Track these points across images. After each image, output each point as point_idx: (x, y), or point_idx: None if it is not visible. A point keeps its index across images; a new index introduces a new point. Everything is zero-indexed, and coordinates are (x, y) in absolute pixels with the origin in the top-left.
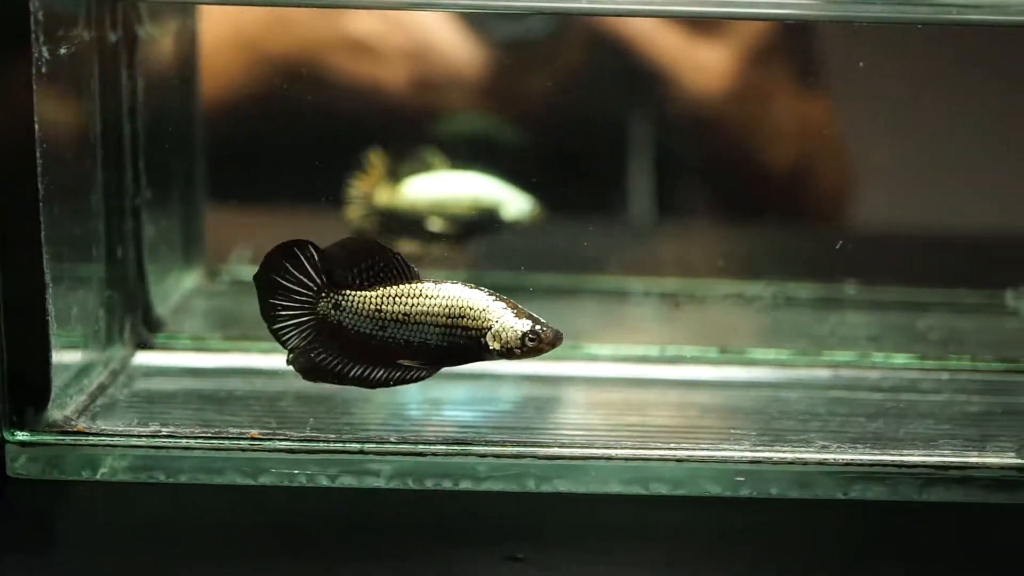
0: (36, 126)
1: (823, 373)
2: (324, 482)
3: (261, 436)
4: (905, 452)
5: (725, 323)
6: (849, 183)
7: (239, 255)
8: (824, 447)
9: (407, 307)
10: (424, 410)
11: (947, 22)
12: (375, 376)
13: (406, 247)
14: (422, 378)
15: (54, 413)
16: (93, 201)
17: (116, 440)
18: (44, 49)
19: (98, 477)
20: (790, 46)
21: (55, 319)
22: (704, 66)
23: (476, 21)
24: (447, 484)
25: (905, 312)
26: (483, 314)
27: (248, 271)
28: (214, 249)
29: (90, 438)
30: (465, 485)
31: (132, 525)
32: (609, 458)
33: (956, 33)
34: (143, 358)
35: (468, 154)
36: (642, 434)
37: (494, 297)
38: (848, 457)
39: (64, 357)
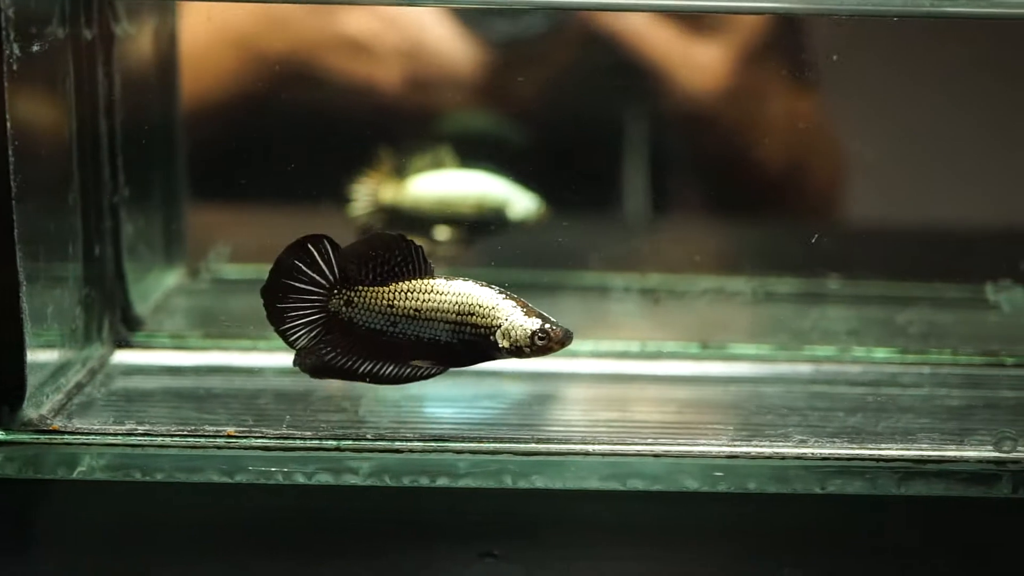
0: (7, 124)
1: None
2: (301, 480)
3: (237, 434)
4: (883, 446)
5: (707, 318)
6: (839, 179)
7: (217, 253)
8: (802, 441)
9: (419, 303)
10: (403, 407)
11: (920, 14)
12: (385, 372)
13: None
14: (432, 375)
15: (29, 412)
16: (69, 199)
17: (92, 439)
18: (15, 47)
19: (75, 476)
20: (774, 42)
21: (30, 317)
22: (698, 63)
23: (470, 19)
24: (424, 481)
25: (886, 306)
26: (493, 312)
27: (228, 270)
28: (197, 248)
29: (65, 437)
30: (442, 482)
31: (110, 524)
32: (587, 454)
33: (934, 26)
34: (122, 356)
35: (471, 152)
36: (621, 430)
37: (504, 295)
38: (826, 451)
39: (40, 356)
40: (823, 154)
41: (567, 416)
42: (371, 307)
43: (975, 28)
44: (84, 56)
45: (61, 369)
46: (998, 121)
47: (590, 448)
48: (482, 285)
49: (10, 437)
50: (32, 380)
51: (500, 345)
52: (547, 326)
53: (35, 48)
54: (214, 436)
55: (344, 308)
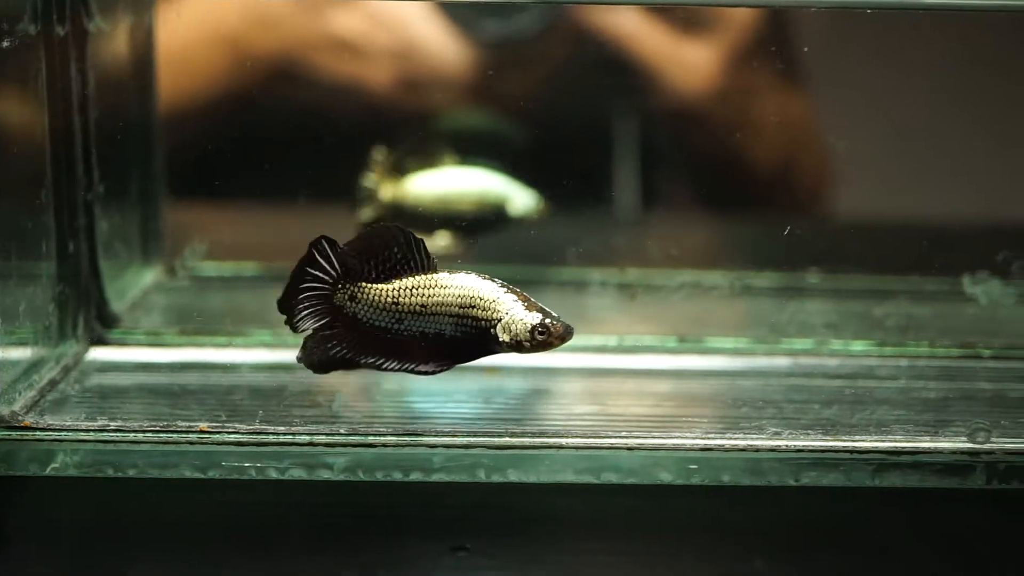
0: None
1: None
2: (274, 475)
3: (210, 429)
4: (857, 438)
5: (684, 313)
6: (824, 175)
7: (192, 250)
8: (776, 434)
9: (423, 298)
10: (379, 401)
11: (897, 6)
12: (387, 367)
13: None
14: (436, 372)
15: (1, 409)
16: (42, 196)
17: (64, 435)
18: None
19: (48, 472)
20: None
21: (2, 315)
22: (689, 62)
23: (462, 19)
24: (397, 475)
25: (864, 300)
26: (493, 305)
27: (207, 267)
28: (176, 245)
29: (37, 433)
30: (416, 476)
31: (84, 521)
32: (560, 447)
33: (911, 18)
34: (97, 354)
35: (467, 149)
36: (597, 424)
37: (506, 289)
38: (800, 444)
39: (12, 353)
40: (807, 150)
41: (543, 410)
42: (375, 303)
43: (948, 21)
44: (57, 53)
45: (34, 366)
46: (974, 114)
47: (563, 441)
48: (484, 278)
49: None
50: (4, 377)
51: (500, 339)
52: (548, 321)
53: (5, 44)
54: (187, 432)
55: (349, 303)
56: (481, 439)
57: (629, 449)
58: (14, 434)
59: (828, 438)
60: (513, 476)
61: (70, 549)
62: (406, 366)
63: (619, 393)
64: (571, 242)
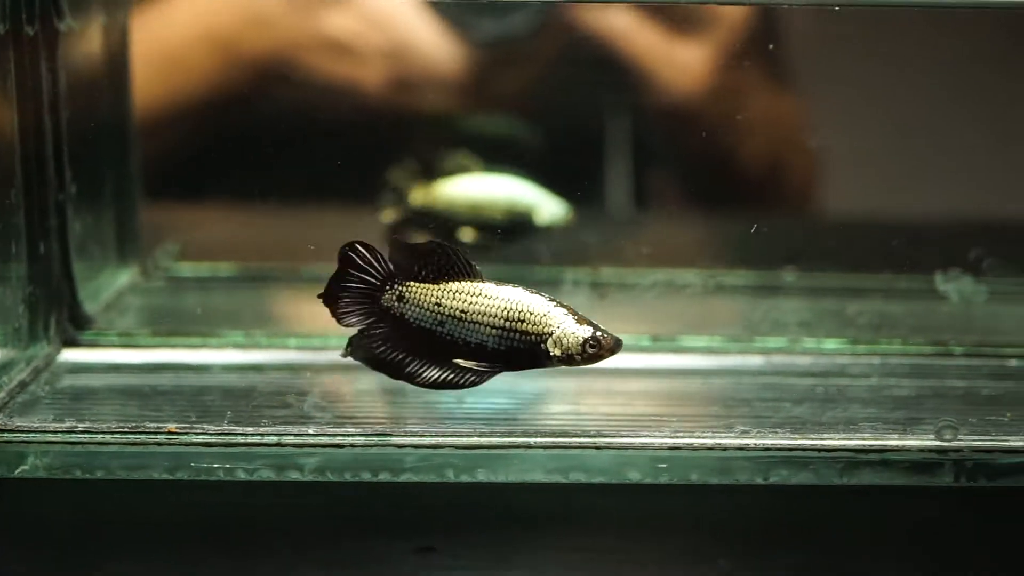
0: None
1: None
2: (243, 476)
3: (178, 430)
4: (826, 436)
5: (659, 311)
6: (810, 175)
7: (165, 251)
8: (744, 432)
9: (465, 303)
10: (349, 402)
11: (874, 3)
12: (428, 375)
13: None
14: (476, 383)
15: None
16: (12, 196)
17: (32, 436)
18: None
19: (17, 474)
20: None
21: None
22: (678, 62)
23: (455, 19)
24: (366, 476)
25: (837, 298)
26: (544, 319)
27: (180, 267)
28: (152, 246)
29: (5, 435)
30: (384, 476)
31: (54, 523)
32: (528, 447)
33: (889, 15)
34: (69, 355)
35: (486, 155)
36: (568, 423)
37: (555, 303)
38: (768, 442)
39: None
40: (795, 149)
41: (513, 410)
42: (420, 303)
43: (928, 19)
44: (27, 52)
45: (3, 368)
46: (947, 112)
47: (532, 441)
48: (532, 292)
49: None
50: None
51: (551, 353)
52: (598, 334)
53: None
54: (155, 433)
55: (396, 303)
56: (450, 439)
57: (597, 448)
58: None
59: (797, 436)
60: (482, 476)
61: (45, 549)
62: (446, 377)
63: (590, 392)
64: (569, 241)
